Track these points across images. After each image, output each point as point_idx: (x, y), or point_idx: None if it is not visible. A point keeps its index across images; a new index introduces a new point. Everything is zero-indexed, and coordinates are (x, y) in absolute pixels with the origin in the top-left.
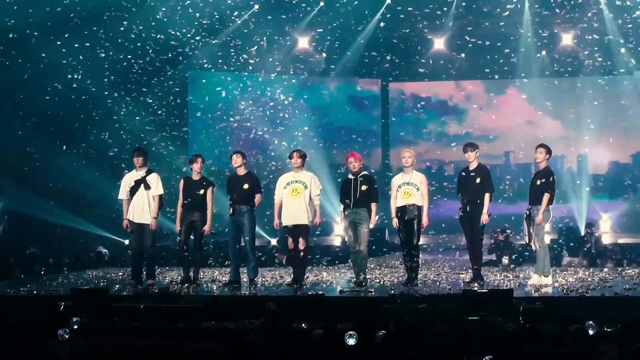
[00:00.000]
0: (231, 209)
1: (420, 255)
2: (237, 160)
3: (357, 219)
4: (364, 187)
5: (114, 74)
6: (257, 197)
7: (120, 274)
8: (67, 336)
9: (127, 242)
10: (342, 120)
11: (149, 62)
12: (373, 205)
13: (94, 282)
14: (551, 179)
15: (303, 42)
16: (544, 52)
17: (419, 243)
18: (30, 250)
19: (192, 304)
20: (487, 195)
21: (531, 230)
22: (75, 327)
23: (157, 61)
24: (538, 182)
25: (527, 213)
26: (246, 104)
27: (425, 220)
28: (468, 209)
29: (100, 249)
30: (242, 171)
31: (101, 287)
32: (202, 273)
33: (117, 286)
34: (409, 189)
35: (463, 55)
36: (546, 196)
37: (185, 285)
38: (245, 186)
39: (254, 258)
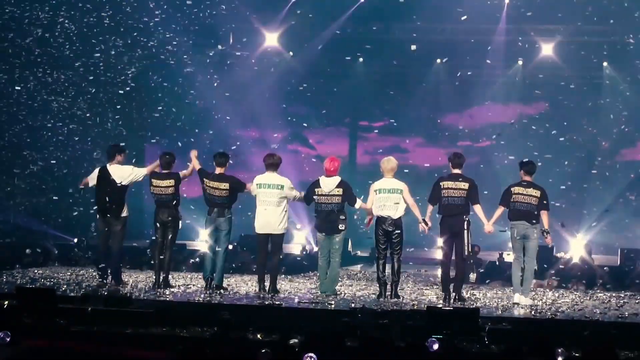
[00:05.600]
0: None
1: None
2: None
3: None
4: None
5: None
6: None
7: (68, 273)
8: (8, 339)
9: (75, 240)
10: None
11: None
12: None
13: (40, 281)
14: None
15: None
16: None
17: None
18: None
19: (143, 309)
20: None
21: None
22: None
23: None
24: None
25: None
26: None
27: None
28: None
29: (45, 244)
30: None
31: (47, 287)
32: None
33: (64, 287)
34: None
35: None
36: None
37: (159, 290)
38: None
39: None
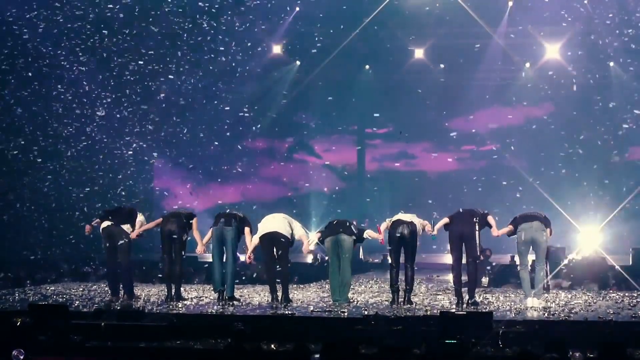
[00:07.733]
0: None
1: None
2: None
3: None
4: None
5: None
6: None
7: (80, 289)
8: (22, 357)
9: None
10: None
11: None
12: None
13: (52, 298)
14: None
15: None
16: None
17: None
18: None
19: (156, 323)
20: None
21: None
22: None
23: None
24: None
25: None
26: None
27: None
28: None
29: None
30: None
31: (60, 303)
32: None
33: (77, 302)
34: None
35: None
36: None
37: (172, 303)
38: None
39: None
